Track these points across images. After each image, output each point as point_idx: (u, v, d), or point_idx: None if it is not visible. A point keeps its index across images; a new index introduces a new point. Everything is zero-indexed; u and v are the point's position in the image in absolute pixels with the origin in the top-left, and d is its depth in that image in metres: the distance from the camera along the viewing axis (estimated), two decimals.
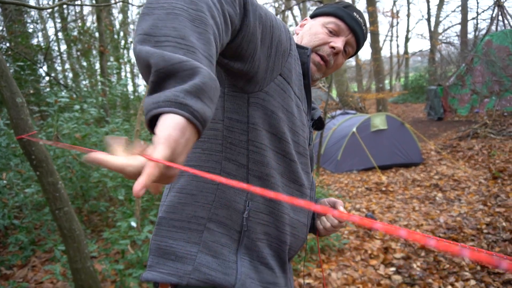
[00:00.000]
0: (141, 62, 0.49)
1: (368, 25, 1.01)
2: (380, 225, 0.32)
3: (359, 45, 1.03)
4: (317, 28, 0.99)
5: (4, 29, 6.28)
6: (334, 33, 0.98)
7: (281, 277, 0.90)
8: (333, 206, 1.06)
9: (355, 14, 0.98)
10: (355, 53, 1.06)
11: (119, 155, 0.42)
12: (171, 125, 0.43)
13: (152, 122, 0.46)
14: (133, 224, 2.58)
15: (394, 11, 22.98)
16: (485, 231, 3.47)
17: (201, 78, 0.46)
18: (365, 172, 6.51)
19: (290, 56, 0.84)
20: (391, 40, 25.24)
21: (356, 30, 0.98)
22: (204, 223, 0.82)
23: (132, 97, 7.67)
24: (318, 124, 1.10)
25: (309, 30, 1.00)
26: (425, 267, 2.93)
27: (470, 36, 17.30)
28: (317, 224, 1.08)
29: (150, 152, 0.42)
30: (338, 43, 0.96)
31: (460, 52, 15.62)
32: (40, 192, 3.30)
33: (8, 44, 5.68)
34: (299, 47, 0.93)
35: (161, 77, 0.47)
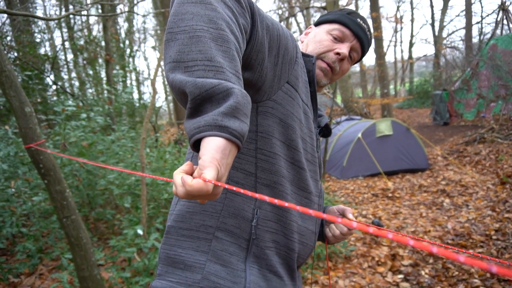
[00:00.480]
0: (176, 91, 0.54)
1: (372, 30, 1.03)
2: (388, 233, 0.32)
3: (364, 51, 1.04)
4: (322, 35, 1.00)
5: (13, 39, 6.38)
6: (338, 39, 0.99)
7: (290, 285, 0.90)
8: (342, 213, 1.05)
9: (359, 20, 1.00)
10: (360, 58, 1.07)
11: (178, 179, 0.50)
12: (214, 148, 0.49)
13: (195, 144, 0.52)
14: (140, 231, 2.58)
15: (398, 16, 23.01)
16: (494, 237, 3.43)
17: (235, 98, 0.51)
18: (371, 178, 6.48)
19: (296, 64, 0.86)
20: (395, 46, 25.24)
21: (361, 36, 1.00)
22: (213, 231, 0.82)
23: (137, 105, 7.74)
24: (325, 131, 1.10)
25: (314, 38, 1.01)
26: (434, 274, 2.89)
27: (475, 40, 17.26)
28: (326, 232, 1.07)
29: (201, 174, 0.48)
30: (343, 49, 0.98)
31: (465, 57, 15.57)
32: (47, 200, 3.33)
33: (16, 54, 5.76)
34: (304, 55, 0.94)
35: (198, 103, 0.52)
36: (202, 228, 0.83)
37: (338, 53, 0.98)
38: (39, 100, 5.66)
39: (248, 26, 0.67)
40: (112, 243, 2.59)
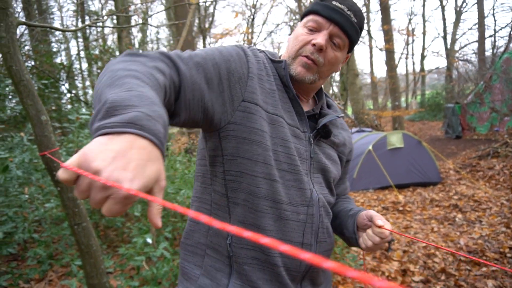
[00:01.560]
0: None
1: (357, 8, 0.94)
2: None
3: (348, 33, 0.92)
4: (298, 30, 0.96)
5: (31, 48, 6.56)
6: (315, 30, 0.93)
7: None
8: (370, 220, 0.97)
9: (334, 2, 0.91)
10: (352, 42, 0.96)
11: None
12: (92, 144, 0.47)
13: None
14: (149, 240, 2.59)
15: (410, 29, 22.99)
16: (508, 254, 3.34)
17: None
18: (381, 191, 6.40)
19: (250, 79, 0.87)
20: (406, 58, 25.12)
21: (336, 19, 0.90)
22: (204, 249, 0.94)
23: None
24: (323, 132, 1.01)
25: (292, 37, 0.97)
26: None
27: (488, 53, 17.10)
28: (359, 242, 1.01)
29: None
30: (318, 38, 0.90)
31: (478, 70, 15.42)
32: (59, 207, 3.37)
33: (33, 63, 5.92)
34: (274, 62, 0.96)
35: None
36: (199, 245, 0.95)
37: (314, 44, 0.91)
38: (54, 107, 5.78)
39: (172, 74, 0.74)
40: (121, 251, 2.60)
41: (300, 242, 0.92)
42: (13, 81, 2.07)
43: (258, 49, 1.01)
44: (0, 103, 4.26)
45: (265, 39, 20.49)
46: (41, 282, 3.07)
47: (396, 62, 17.89)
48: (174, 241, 3.39)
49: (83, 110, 4.30)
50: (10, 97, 5.12)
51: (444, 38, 20.67)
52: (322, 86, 1.09)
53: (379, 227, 0.93)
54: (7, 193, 3.44)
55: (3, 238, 2.97)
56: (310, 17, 0.94)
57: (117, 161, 0.43)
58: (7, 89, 4.00)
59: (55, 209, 3.40)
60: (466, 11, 23.92)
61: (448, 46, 20.43)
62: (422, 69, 23.12)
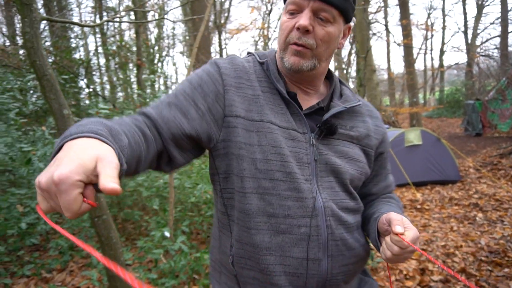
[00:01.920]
0: None
1: None
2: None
3: (333, 3, 0.81)
4: (282, 19, 0.87)
5: (50, 44, 6.69)
6: (296, 12, 0.84)
7: None
8: (389, 224, 0.84)
9: None
10: (344, 10, 0.84)
11: None
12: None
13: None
14: (167, 234, 2.62)
15: (429, 23, 22.46)
16: None
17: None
18: (399, 189, 6.30)
19: (227, 92, 0.85)
20: (425, 53, 24.58)
21: None
22: (220, 265, 0.93)
23: None
24: (328, 128, 0.88)
25: (278, 28, 0.90)
26: None
27: (511, 48, 16.55)
28: (381, 252, 0.86)
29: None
30: (301, 20, 0.81)
31: (500, 66, 14.96)
32: None
33: (53, 59, 6.04)
34: (261, 63, 0.92)
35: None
36: (216, 261, 0.95)
37: (298, 28, 0.82)
38: (73, 102, 5.89)
39: (145, 121, 0.80)
40: (140, 244, 2.65)
41: (305, 258, 0.82)
42: (36, 75, 2.11)
43: (249, 53, 0.97)
44: (22, 97, 4.37)
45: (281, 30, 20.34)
46: (62, 272, 3.15)
47: (414, 57, 17.53)
48: (191, 235, 3.42)
49: (101, 105, 4.36)
50: (31, 91, 5.25)
51: (465, 32, 20.12)
52: (334, 72, 0.99)
53: (397, 234, 0.77)
54: (30, 185, 3.53)
55: (26, 229, 3.05)
56: (289, 0, 0.85)
57: (52, 164, 0.51)
58: (29, 84, 4.09)
59: None
60: (488, 5, 23.22)
61: (469, 41, 19.87)
62: (441, 65, 22.57)
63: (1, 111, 3.63)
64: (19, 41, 7.39)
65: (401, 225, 0.79)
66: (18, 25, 8.29)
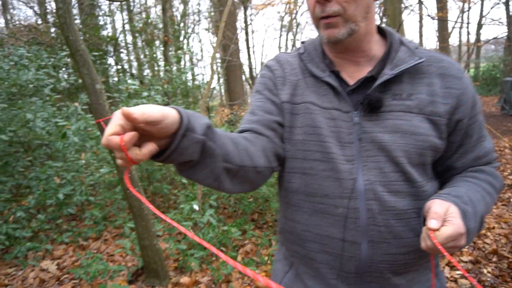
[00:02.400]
0: None
1: None
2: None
3: None
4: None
5: (79, 22, 6.81)
6: None
7: None
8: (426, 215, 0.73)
9: None
10: None
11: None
12: None
13: None
14: (196, 207, 2.69)
15: None
16: None
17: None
18: None
19: (277, 83, 0.91)
20: (461, 27, 23.18)
21: None
22: (282, 236, 0.99)
23: (190, 85, 7.95)
24: (371, 105, 0.80)
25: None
26: (498, 273, 2.70)
27: None
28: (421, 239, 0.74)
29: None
30: None
31: None
32: (112, 173, 3.57)
33: (83, 37, 6.16)
34: (300, 55, 0.94)
35: None
36: (280, 232, 1.00)
37: (317, 1, 0.78)
38: (102, 80, 6.03)
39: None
40: (169, 216, 2.73)
41: (341, 239, 0.80)
42: (70, 50, 2.16)
43: (302, 42, 0.99)
44: (56, 74, 4.50)
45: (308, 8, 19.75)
46: (97, 241, 3.33)
47: (449, 31, 16.60)
48: (217, 209, 3.50)
49: (129, 81, 4.43)
50: (64, 69, 5.40)
51: (506, 4, 18.75)
52: (388, 31, 0.88)
53: (429, 229, 0.67)
54: (65, 158, 3.70)
55: (63, 199, 3.22)
56: None
57: None
58: (61, 61, 4.20)
59: (108, 174, 3.61)
60: None
61: (510, 13, 18.55)
62: (477, 40, 21.29)
63: (38, 87, 3.76)
64: (50, 19, 7.56)
65: (438, 218, 0.67)
66: (49, 4, 8.46)
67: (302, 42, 0.99)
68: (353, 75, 0.85)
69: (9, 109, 3.49)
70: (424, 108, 0.80)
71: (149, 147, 0.55)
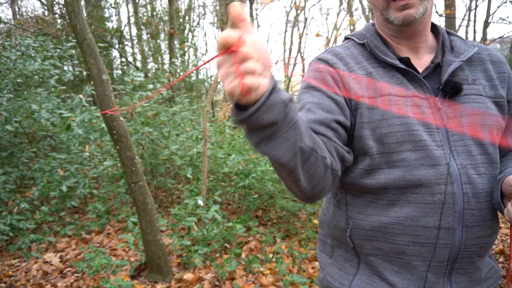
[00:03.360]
0: None
1: None
2: None
3: None
4: None
5: (86, 13, 6.75)
6: None
7: None
8: (505, 188, 0.76)
9: None
10: None
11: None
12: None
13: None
14: (200, 202, 2.65)
15: None
16: None
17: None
18: None
19: (343, 78, 0.86)
20: (467, 26, 22.91)
21: None
22: (332, 239, 0.95)
23: (194, 79, 7.88)
24: (452, 89, 0.83)
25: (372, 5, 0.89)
26: (504, 274, 2.66)
27: None
28: (505, 214, 0.78)
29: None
30: None
31: None
32: (115, 166, 3.54)
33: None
34: (360, 46, 0.90)
35: None
36: (327, 235, 0.97)
37: None
38: (108, 71, 6.00)
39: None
40: (173, 211, 2.69)
41: (437, 226, 0.79)
42: (77, 40, 2.11)
43: (346, 38, 0.96)
44: (61, 65, 4.46)
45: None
46: (100, 234, 3.30)
47: (456, 29, 16.41)
48: (221, 205, 3.46)
49: (132, 73, 4.38)
50: (69, 60, 5.36)
51: None
52: (437, 23, 0.92)
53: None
54: (69, 150, 3.66)
55: (67, 192, 3.19)
56: None
57: None
58: (67, 52, 4.16)
59: (111, 168, 3.58)
60: None
61: None
62: (484, 38, 21.07)
63: (43, 78, 3.72)
64: (57, 11, 7.51)
65: None
66: None
67: (347, 37, 0.97)
68: (416, 63, 0.87)
69: (15, 100, 3.45)
70: (488, 92, 0.85)
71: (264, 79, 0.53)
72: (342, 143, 0.81)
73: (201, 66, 0.69)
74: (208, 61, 0.58)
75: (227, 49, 0.48)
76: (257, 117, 0.55)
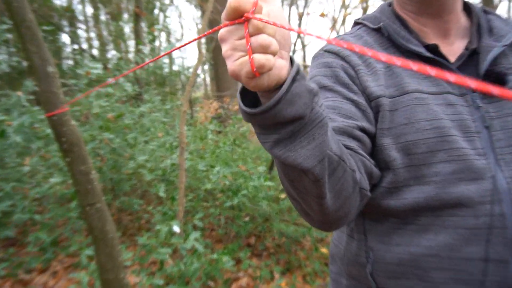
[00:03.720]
0: None
1: None
2: None
3: None
4: None
5: None
6: None
7: None
8: None
9: None
10: None
11: None
12: None
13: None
14: (176, 228, 2.62)
15: None
16: None
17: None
18: None
19: (359, 74, 0.87)
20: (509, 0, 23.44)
21: None
22: (346, 277, 0.95)
23: (167, 70, 7.88)
24: (498, 80, 0.84)
25: None
26: None
27: None
28: None
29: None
30: None
31: None
32: (64, 183, 3.48)
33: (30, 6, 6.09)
34: (375, 32, 0.92)
35: None
36: (340, 272, 0.97)
37: None
38: (55, 62, 5.95)
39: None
40: (141, 240, 2.66)
41: (483, 258, 0.76)
42: (13, 22, 2.08)
43: (356, 22, 0.97)
44: None
45: None
46: (44, 274, 3.23)
47: (495, 3, 16.81)
48: (204, 231, 3.43)
49: (90, 65, 4.36)
50: (3, 48, 5.30)
51: None
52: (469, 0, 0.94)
53: None
54: (4, 164, 3.60)
55: (0, 219, 3.12)
56: None
57: None
58: (1, 37, 4.11)
59: (59, 185, 3.52)
60: None
61: None
62: None
63: None
64: None
65: None
66: None
67: (358, 21, 0.98)
68: (447, 50, 0.87)
69: None
70: None
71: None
72: (368, 155, 0.80)
73: (184, 45, 0.66)
74: (206, 34, 0.55)
75: (238, 17, 0.47)
76: (279, 110, 0.53)
